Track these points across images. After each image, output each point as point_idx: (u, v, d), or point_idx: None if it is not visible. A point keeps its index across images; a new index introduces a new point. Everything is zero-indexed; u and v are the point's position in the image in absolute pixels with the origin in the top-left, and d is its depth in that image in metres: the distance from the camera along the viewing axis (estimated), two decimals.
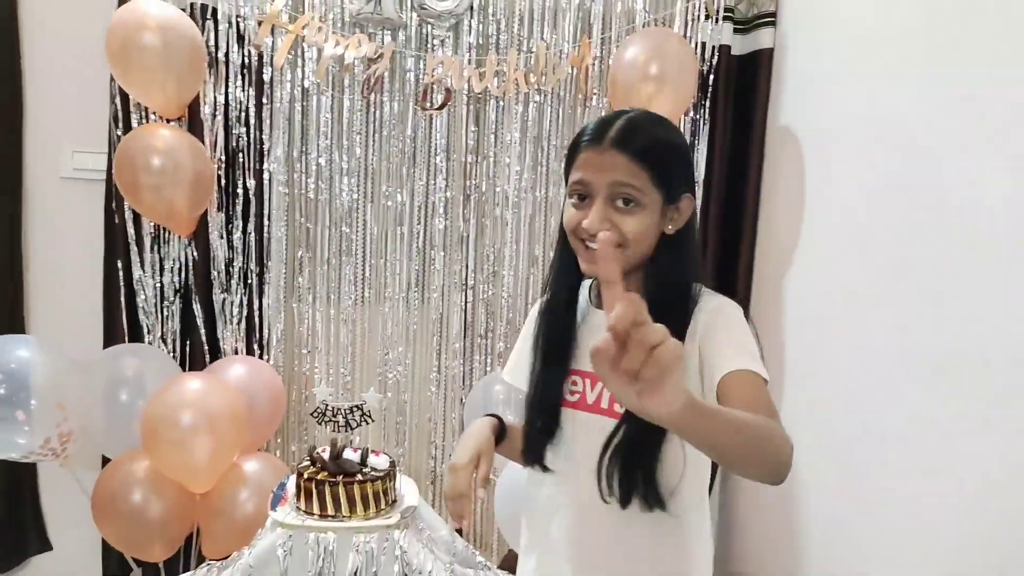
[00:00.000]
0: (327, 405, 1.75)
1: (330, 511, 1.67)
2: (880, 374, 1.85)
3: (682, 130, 2.54)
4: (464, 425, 2.58)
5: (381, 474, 1.72)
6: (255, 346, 2.50)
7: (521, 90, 2.47)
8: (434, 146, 2.52)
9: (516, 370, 1.33)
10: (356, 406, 1.74)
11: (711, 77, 2.51)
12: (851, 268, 2.02)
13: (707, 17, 2.48)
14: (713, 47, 2.50)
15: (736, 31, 2.57)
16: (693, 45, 2.46)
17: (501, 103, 2.53)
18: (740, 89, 2.59)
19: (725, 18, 2.51)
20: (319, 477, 1.68)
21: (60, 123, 2.49)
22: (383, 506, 1.71)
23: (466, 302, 2.61)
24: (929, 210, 1.71)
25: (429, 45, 2.46)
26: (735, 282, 2.63)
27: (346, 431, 1.74)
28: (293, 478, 1.79)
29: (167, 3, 2.22)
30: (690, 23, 2.48)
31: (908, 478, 1.72)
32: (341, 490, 1.66)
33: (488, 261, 2.61)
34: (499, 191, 2.57)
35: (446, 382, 2.65)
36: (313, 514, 1.68)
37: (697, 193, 2.54)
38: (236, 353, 2.48)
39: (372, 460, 1.78)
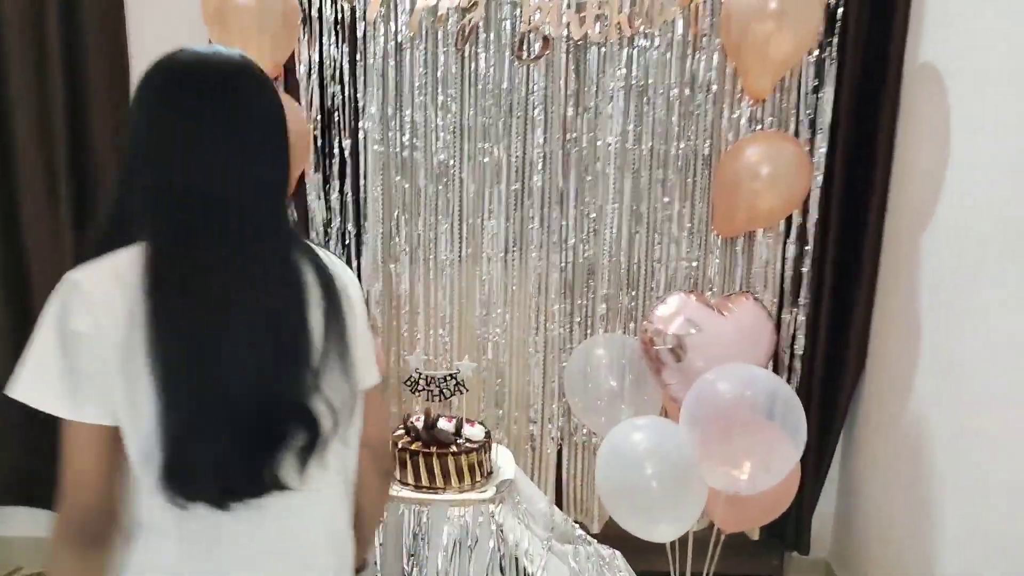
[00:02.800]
0: (420, 373, 1.70)
1: (424, 482, 1.63)
2: None
3: (806, 70, 2.30)
4: (563, 391, 2.50)
5: (476, 446, 1.66)
6: None
7: (624, 34, 2.30)
8: (532, 99, 2.39)
9: None
10: (450, 374, 1.68)
11: (839, 11, 2.25)
12: (1004, 224, 1.77)
13: None
14: None
15: None
16: None
17: (603, 49, 2.36)
18: (873, 23, 2.31)
19: None
20: (412, 448, 1.65)
21: None
22: (478, 478, 1.66)
23: (565, 262, 2.50)
24: None
25: None
26: (862, 239, 2.39)
27: (440, 400, 1.69)
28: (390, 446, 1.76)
29: None
30: None
31: None
32: (435, 461, 1.62)
33: (588, 219, 2.47)
34: (600, 145, 2.42)
35: (545, 345, 2.56)
36: (408, 484, 1.65)
37: (821, 140, 2.32)
38: None
39: (467, 431, 1.72)
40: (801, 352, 2.46)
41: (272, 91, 1.02)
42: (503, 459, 1.79)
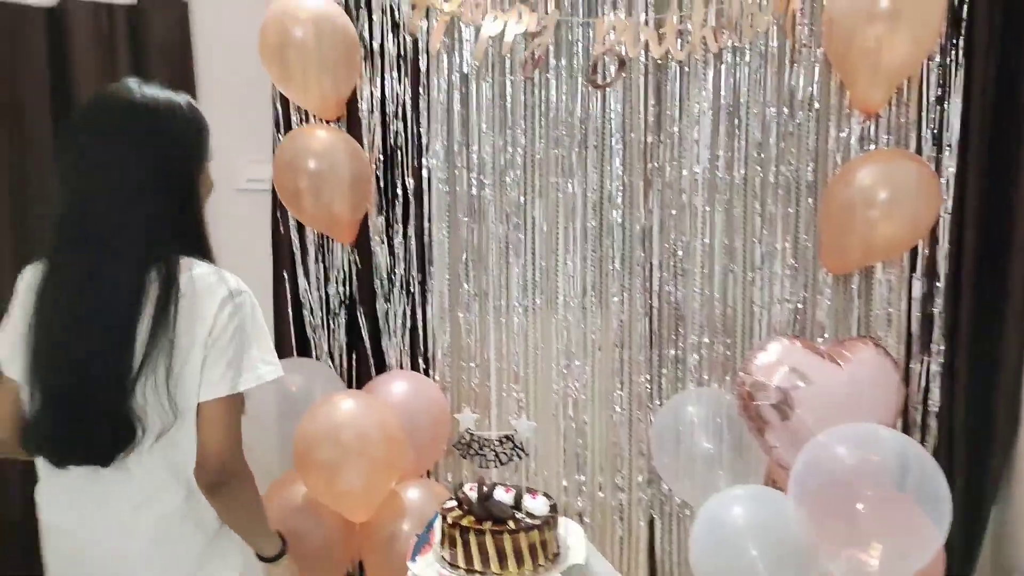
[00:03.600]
0: (472, 435, 1.47)
1: (477, 565, 1.38)
2: None
3: (928, 78, 1.99)
4: (651, 451, 2.21)
5: (538, 522, 1.40)
6: (420, 360, 2.30)
7: (710, 50, 2.06)
8: (608, 126, 2.18)
9: None
10: (506, 436, 1.44)
11: (964, 8, 1.94)
12: None
13: None
14: None
15: None
16: None
17: (686, 69, 2.13)
18: (1007, 20, 1.98)
19: None
20: (464, 523, 1.41)
21: (232, 134, 2.45)
22: (541, 561, 1.39)
23: (650, 306, 2.23)
24: None
25: (599, 9, 2.13)
26: (1006, 272, 2.02)
27: (496, 466, 1.45)
28: (440, 519, 1.53)
29: None
30: None
31: None
32: (489, 540, 1.37)
33: (675, 258, 2.20)
34: (686, 175, 2.16)
35: (631, 401, 2.28)
36: (458, 567, 1.40)
37: (948, 159, 2.00)
38: (401, 367, 2.31)
39: (528, 503, 1.47)
40: (936, 409, 2.08)
41: (165, 135, 1.20)
42: (573, 537, 1.52)
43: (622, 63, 2.09)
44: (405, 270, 2.29)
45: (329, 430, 1.86)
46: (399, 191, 2.26)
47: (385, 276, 2.29)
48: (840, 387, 1.77)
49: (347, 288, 2.33)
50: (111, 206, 1.17)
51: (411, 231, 2.27)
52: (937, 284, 2.05)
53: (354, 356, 2.35)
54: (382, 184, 2.26)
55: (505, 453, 1.43)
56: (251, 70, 2.39)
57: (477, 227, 2.28)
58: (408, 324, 2.30)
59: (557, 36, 2.14)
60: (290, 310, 2.33)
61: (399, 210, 2.26)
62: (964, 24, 1.95)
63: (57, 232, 1.20)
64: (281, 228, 2.32)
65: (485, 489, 1.44)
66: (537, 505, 1.46)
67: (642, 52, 2.09)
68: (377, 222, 2.27)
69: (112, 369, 1.14)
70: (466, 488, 1.50)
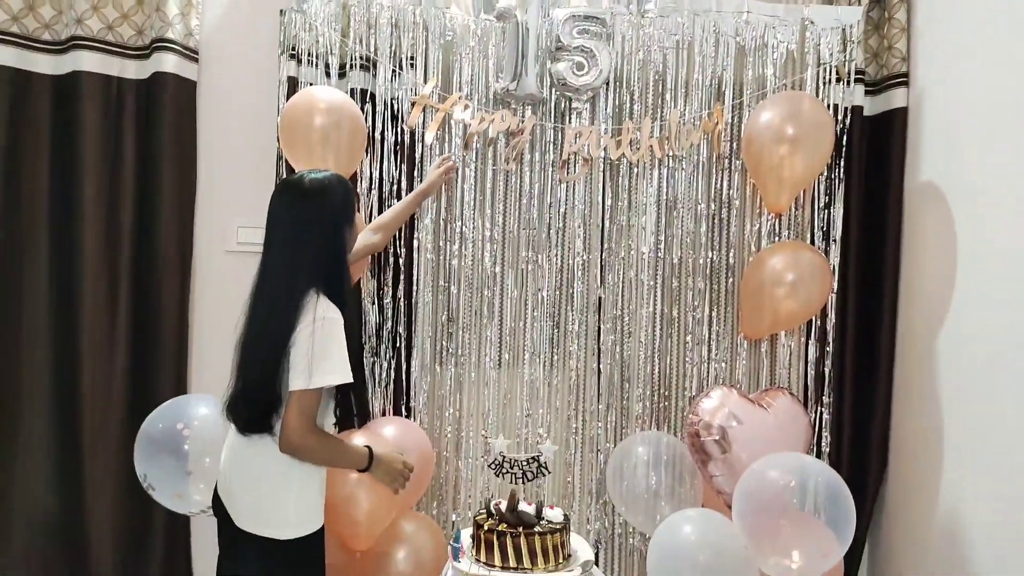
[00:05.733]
0: (504, 456, 1.80)
1: (511, 563, 1.69)
2: None
3: (819, 189, 2.57)
4: (601, 489, 2.59)
5: (558, 527, 1.74)
6: (402, 408, 2.58)
7: (656, 156, 2.55)
8: (572, 212, 2.62)
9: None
10: (533, 457, 1.78)
11: (844, 137, 2.55)
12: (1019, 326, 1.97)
13: (839, 80, 2.54)
14: (845, 108, 2.55)
15: (867, 92, 2.61)
16: (825, 106, 2.50)
17: (636, 169, 2.62)
18: (873, 148, 2.62)
19: (856, 80, 2.56)
20: (500, 528, 1.72)
21: (228, 200, 2.70)
22: (560, 559, 1.72)
23: (599, 363, 2.64)
24: None
25: (568, 117, 2.59)
26: (877, 338, 2.59)
27: (524, 483, 1.78)
28: (466, 531, 1.82)
29: (335, 88, 2.43)
30: (821, 87, 2.54)
31: None
32: (522, 541, 1.69)
33: (623, 323, 2.64)
34: (634, 254, 2.63)
35: (583, 445, 2.66)
36: (494, 566, 1.71)
37: (834, 252, 2.55)
38: (384, 415, 2.57)
39: (548, 513, 1.80)
40: (828, 450, 2.59)
41: (323, 204, 1.70)
42: (578, 543, 1.86)
43: (586, 162, 2.55)
44: (392, 327, 2.58)
45: None
46: (391, 259, 2.58)
47: (374, 332, 2.58)
48: (767, 427, 2.23)
49: None
50: (285, 249, 1.67)
51: (400, 294, 2.58)
52: (827, 349, 2.59)
53: (338, 406, 2.59)
54: (377, 253, 2.57)
55: (532, 471, 1.77)
56: (253, 144, 2.67)
57: (457, 292, 2.63)
58: (392, 376, 2.59)
59: (533, 135, 2.57)
60: None
61: (390, 275, 2.58)
62: (843, 149, 2.56)
63: (260, 265, 1.72)
64: None
65: (514, 501, 1.76)
66: (554, 515, 1.79)
67: (602, 154, 2.56)
68: (370, 285, 2.56)
69: (260, 362, 1.64)
70: (494, 503, 1.81)
